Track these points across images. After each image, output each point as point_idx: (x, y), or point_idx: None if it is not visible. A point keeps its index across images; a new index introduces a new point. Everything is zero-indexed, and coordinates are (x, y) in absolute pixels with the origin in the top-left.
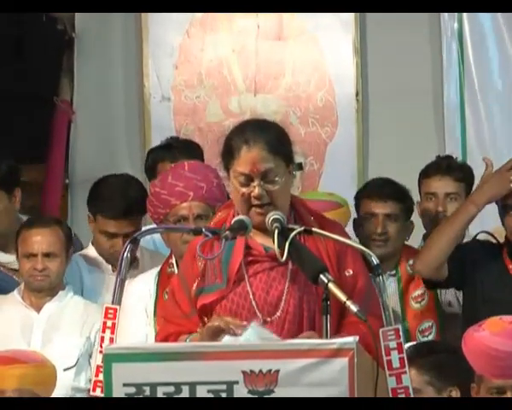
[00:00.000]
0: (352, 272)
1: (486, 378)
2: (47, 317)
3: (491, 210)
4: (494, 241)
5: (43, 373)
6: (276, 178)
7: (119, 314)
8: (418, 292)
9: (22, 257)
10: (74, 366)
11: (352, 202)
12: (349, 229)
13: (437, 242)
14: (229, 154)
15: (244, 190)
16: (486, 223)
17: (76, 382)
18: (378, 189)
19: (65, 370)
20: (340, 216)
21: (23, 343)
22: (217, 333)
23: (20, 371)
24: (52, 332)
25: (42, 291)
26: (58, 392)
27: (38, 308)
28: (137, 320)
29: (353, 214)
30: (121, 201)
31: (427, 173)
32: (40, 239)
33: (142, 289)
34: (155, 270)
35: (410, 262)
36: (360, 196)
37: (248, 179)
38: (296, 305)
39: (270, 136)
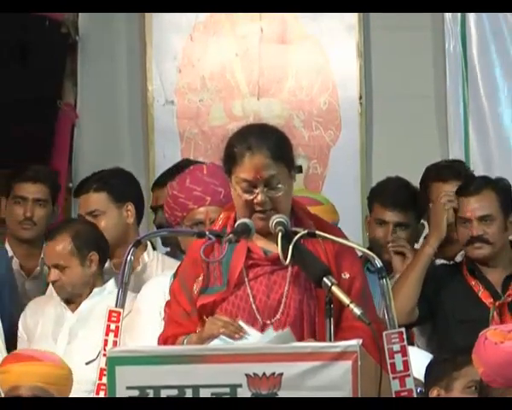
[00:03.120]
0: (348, 275)
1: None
2: (78, 314)
3: None
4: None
5: (57, 374)
6: (279, 185)
7: (134, 316)
8: None
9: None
10: (95, 359)
11: (355, 204)
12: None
13: (403, 290)
14: (231, 160)
15: (247, 196)
16: None
17: None
18: (390, 196)
19: (87, 364)
20: (318, 213)
21: (51, 340)
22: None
23: (35, 368)
24: (79, 328)
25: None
26: (82, 387)
27: (75, 308)
28: (152, 323)
29: (356, 214)
30: None
31: (441, 177)
32: (49, 252)
33: (156, 291)
34: (170, 272)
35: None
36: (373, 199)
37: (251, 186)
38: (296, 308)
39: (273, 142)
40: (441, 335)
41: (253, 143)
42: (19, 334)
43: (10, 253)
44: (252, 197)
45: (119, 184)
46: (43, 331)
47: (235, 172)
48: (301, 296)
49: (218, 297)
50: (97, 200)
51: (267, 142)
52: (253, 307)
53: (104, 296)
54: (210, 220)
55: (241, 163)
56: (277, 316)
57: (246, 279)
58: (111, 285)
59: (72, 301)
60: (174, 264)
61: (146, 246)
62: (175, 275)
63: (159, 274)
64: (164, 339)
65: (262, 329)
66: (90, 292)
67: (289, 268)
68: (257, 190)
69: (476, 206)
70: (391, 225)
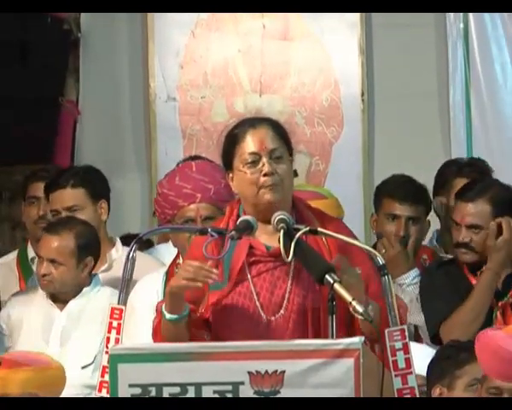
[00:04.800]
0: (360, 271)
1: (488, 378)
2: (67, 315)
3: None
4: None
5: (48, 376)
6: (284, 158)
7: (128, 314)
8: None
9: (38, 258)
10: (92, 363)
11: (357, 201)
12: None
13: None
14: (233, 143)
15: (252, 170)
16: None
17: (94, 380)
18: (402, 189)
19: (83, 368)
20: (322, 207)
21: (42, 342)
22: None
23: (24, 375)
24: (71, 330)
25: (50, 293)
26: (74, 391)
27: (62, 307)
28: (145, 321)
29: (359, 211)
30: None
31: (464, 174)
32: (47, 245)
33: (149, 289)
34: (163, 270)
35: (424, 257)
36: (382, 194)
37: (256, 159)
38: (300, 303)
39: (274, 122)
40: None
41: (253, 121)
42: None
43: (32, 254)
44: (257, 171)
45: (95, 181)
46: (31, 330)
47: (238, 152)
48: (305, 292)
49: (219, 294)
50: (76, 195)
51: (267, 120)
52: (257, 304)
53: (93, 295)
54: (201, 217)
55: (244, 140)
56: (281, 312)
57: (249, 276)
58: (98, 284)
59: (58, 297)
60: (146, 261)
61: (114, 243)
62: (167, 273)
63: (151, 272)
64: (155, 325)
65: (267, 326)
66: (80, 291)
67: (292, 263)
68: (263, 161)
69: (468, 213)
70: (403, 218)
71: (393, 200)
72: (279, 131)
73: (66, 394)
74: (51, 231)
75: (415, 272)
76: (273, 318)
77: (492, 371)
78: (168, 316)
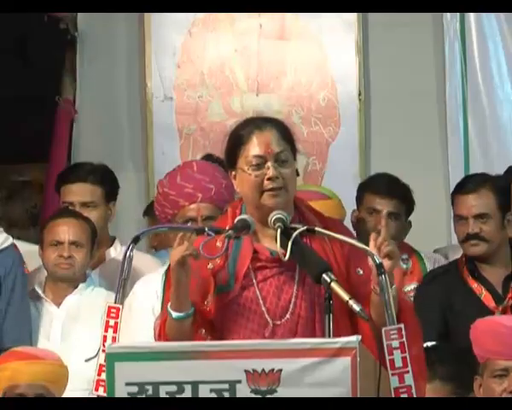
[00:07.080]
0: (362, 271)
1: (491, 362)
2: (66, 311)
3: None
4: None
5: (58, 372)
6: (288, 162)
7: (127, 314)
8: (409, 287)
9: (48, 246)
10: (95, 356)
11: (354, 201)
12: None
13: None
14: (238, 143)
15: (257, 173)
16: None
17: None
18: (384, 185)
19: (86, 361)
20: (325, 208)
21: (42, 339)
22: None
23: (36, 367)
24: (71, 325)
25: (65, 281)
26: (80, 385)
27: (59, 303)
28: (144, 321)
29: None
30: None
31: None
32: (67, 228)
33: (149, 289)
34: (162, 269)
35: (404, 256)
36: (364, 190)
37: (261, 162)
38: (308, 308)
39: (278, 123)
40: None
41: (259, 122)
42: None
43: None
44: (262, 174)
45: (111, 182)
46: None
47: (243, 153)
48: (312, 296)
49: (224, 298)
50: (94, 192)
51: (272, 122)
52: (263, 309)
53: (88, 293)
54: (202, 217)
55: (249, 141)
56: (287, 316)
57: (254, 281)
58: (92, 283)
59: (57, 291)
60: (143, 260)
61: (113, 241)
62: (166, 273)
63: (151, 272)
64: (159, 326)
65: (273, 331)
66: (76, 287)
67: (297, 268)
68: (268, 165)
69: (473, 204)
70: (383, 213)
71: (375, 194)
72: (284, 133)
73: (72, 387)
74: (67, 215)
75: None
76: (279, 322)
77: (493, 352)
78: (175, 315)
